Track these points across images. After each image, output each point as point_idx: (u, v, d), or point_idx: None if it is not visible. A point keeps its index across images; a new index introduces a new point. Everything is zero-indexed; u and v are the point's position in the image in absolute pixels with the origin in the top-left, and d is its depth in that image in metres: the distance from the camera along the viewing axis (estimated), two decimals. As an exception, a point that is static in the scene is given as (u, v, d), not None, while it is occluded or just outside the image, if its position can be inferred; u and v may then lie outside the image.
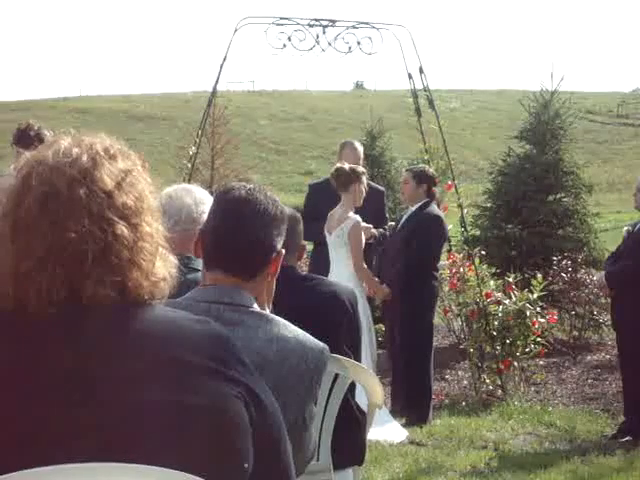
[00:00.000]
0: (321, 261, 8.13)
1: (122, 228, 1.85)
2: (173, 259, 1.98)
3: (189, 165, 9.42)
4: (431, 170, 8.69)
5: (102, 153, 1.91)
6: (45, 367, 1.78)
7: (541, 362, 9.66)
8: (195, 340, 1.87)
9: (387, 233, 8.63)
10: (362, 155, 9.00)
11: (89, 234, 1.81)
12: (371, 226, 8.25)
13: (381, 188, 9.29)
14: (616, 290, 7.81)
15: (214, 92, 9.38)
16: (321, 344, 2.75)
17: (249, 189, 2.81)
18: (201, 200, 4.05)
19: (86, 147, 1.91)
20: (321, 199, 8.38)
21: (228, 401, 1.83)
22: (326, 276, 6.90)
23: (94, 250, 1.81)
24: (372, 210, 8.32)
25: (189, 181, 8.78)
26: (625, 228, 8.12)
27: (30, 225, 1.82)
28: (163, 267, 1.94)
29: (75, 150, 1.89)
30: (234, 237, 2.74)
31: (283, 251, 2.80)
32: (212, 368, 1.84)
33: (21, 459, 1.72)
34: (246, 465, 1.85)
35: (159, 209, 1.98)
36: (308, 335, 2.74)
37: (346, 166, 7.85)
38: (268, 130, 59.21)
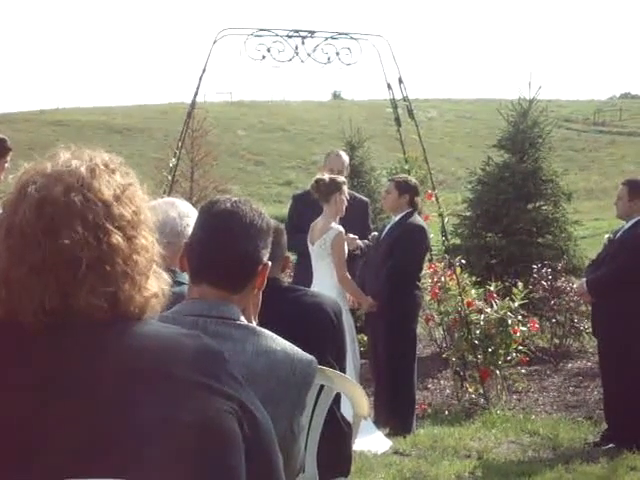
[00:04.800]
0: (305, 272, 8.12)
1: (118, 238, 1.83)
2: (166, 277, 1.97)
3: (169, 177, 9.40)
4: (414, 180, 8.68)
5: (102, 166, 1.91)
6: (30, 377, 1.76)
7: (523, 370, 9.68)
8: (186, 355, 1.84)
9: (371, 244, 8.62)
10: (347, 162, 9.02)
11: (84, 242, 1.80)
12: (357, 237, 8.26)
13: (365, 199, 9.29)
14: (597, 297, 7.84)
15: (193, 104, 9.36)
16: (309, 356, 2.74)
17: (234, 202, 2.80)
18: (185, 213, 4.04)
19: (86, 160, 1.91)
20: (305, 210, 8.36)
21: (220, 417, 1.80)
22: (309, 287, 6.90)
23: (88, 258, 1.80)
24: (356, 221, 8.33)
25: (169, 193, 8.76)
26: (606, 236, 8.16)
27: (24, 232, 1.81)
28: (156, 283, 1.92)
29: (74, 161, 1.89)
30: (221, 250, 2.72)
31: (269, 263, 2.79)
32: (203, 383, 1.81)
33: None
34: None
35: (155, 226, 1.97)
36: (296, 347, 2.73)
37: (326, 177, 7.85)
38: (246, 141, 59.18)
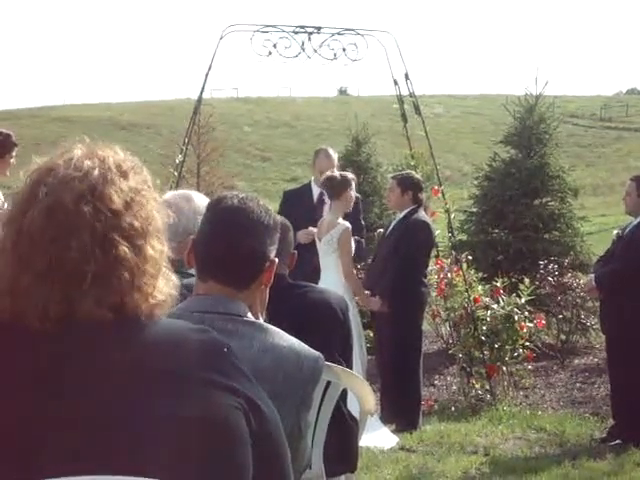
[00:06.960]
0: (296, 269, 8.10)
1: (125, 249, 1.81)
2: (175, 279, 1.95)
3: (175, 173, 9.38)
4: (417, 176, 8.65)
5: (114, 169, 1.88)
6: (35, 376, 1.75)
7: (529, 366, 9.66)
8: (192, 350, 1.84)
9: (362, 240, 8.56)
10: (336, 162, 8.96)
11: (90, 253, 1.78)
12: (314, 230, 8.25)
13: (356, 194, 9.26)
14: (605, 293, 7.82)
15: (200, 100, 9.35)
16: (316, 353, 2.73)
17: (241, 198, 2.79)
18: (200, 210, 3.86)
19: (98, 161, 1.87)
20: (296, 207, 8.32)
21: (228, 413, 1.80)
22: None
23: (94, 270, 1.78)
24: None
25: (176, 189, 8.74)
26: (615, 231, 8.14)
27: (33, 237, 1.79)
28: (164, 288, 1.90)
29: (87, 163, 1.86)
30: (227, 247, 2.72)
31: (276, 260, 2.79)
32: (209, 379, 1.81)
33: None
34: (245, 478, 1.83)
35: (165, 229, 1.94)
36: (303, 344, 2.73)
37: (337, 173, 7.90)
38: (253, 137, 59.23)
